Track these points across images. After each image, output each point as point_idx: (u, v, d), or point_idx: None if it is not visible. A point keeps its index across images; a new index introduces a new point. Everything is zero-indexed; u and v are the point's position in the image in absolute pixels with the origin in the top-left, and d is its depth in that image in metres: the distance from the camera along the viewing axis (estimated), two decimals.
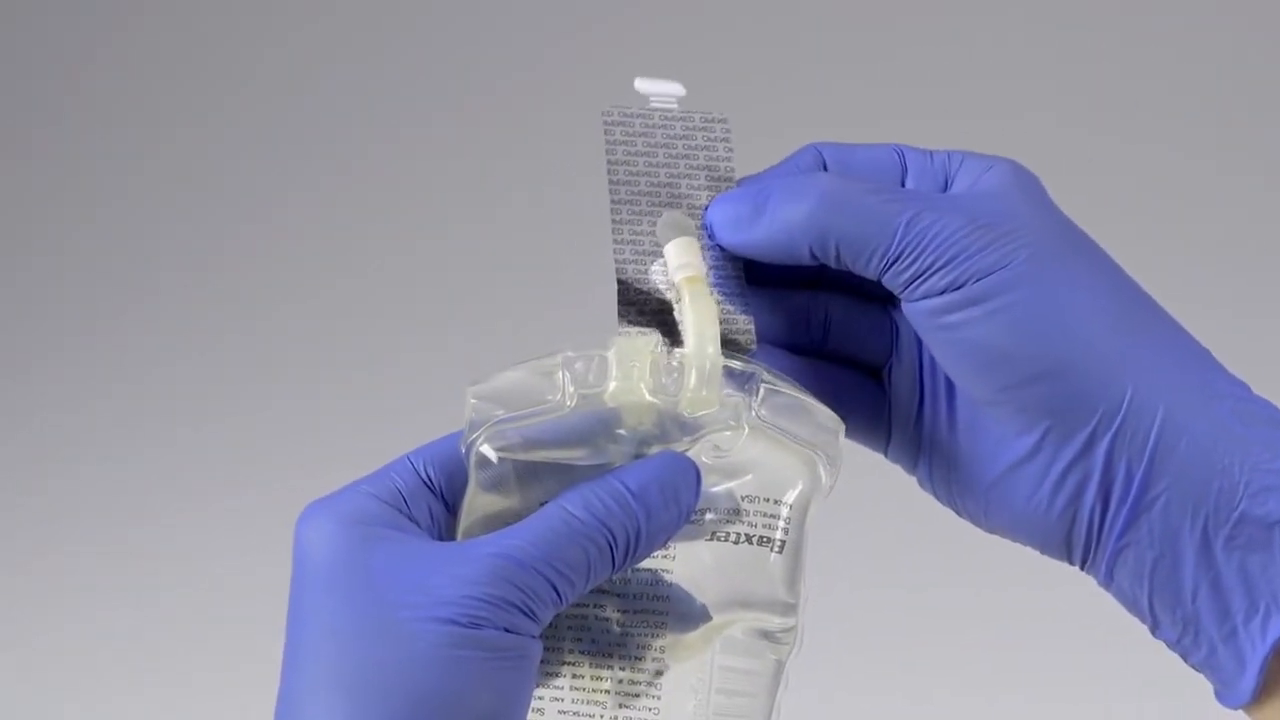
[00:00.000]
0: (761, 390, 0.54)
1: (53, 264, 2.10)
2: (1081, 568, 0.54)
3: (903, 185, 0.56)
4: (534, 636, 0.50)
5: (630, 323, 0.56)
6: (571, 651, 0.54)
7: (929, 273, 0.52)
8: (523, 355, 0.54)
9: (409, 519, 0.52)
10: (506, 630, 0.48)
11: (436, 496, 0.53)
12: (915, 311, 0.53)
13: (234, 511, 1.74)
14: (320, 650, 0.49)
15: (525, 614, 0.49)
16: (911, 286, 0.52)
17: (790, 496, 0.54)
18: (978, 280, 0.52)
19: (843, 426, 0.54)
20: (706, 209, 0.56)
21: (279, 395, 1.89)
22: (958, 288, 0.52)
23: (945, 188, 0.55)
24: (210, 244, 2.09)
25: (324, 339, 1.96)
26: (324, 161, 2.12)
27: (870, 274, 0.53)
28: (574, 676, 0.54)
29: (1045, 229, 0.53)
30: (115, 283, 2.07)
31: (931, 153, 0.56)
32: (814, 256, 0.53)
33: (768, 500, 0.54)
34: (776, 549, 0.54)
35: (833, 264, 0.54)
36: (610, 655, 0.54)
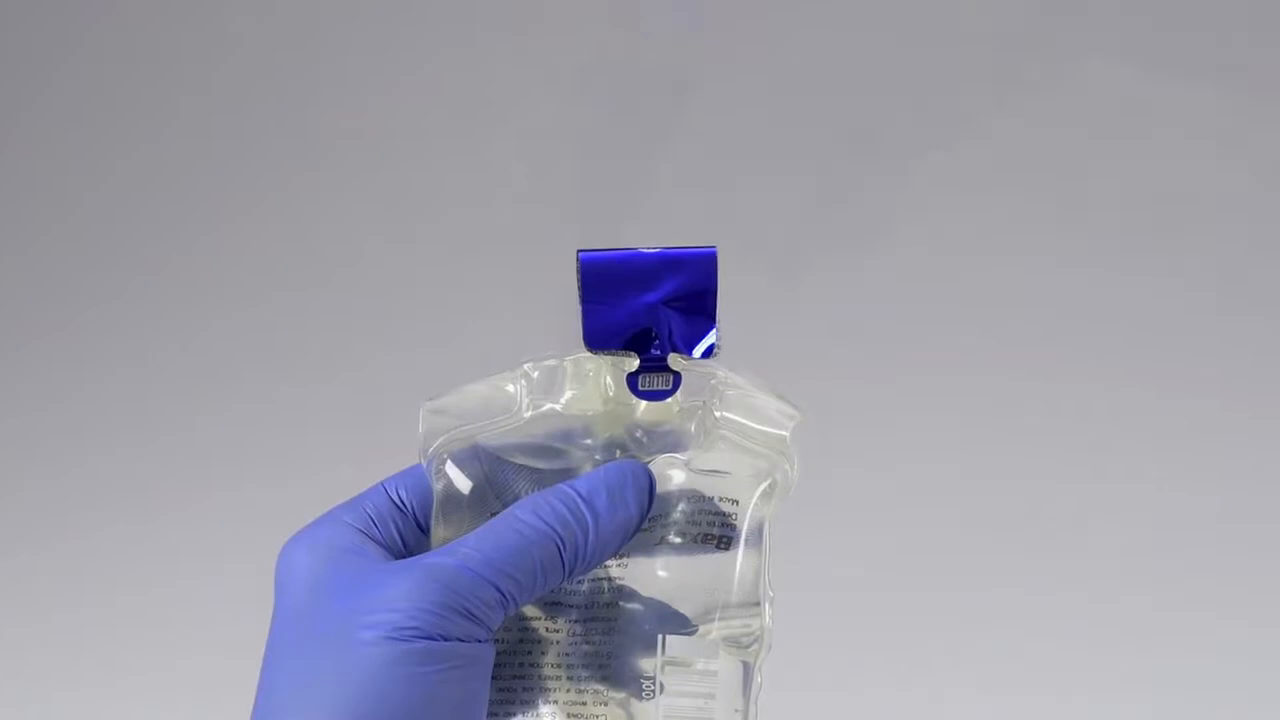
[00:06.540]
0: (719, 392, 0.54)
1: (52, 262, 2.10)
2: None
3: None
4: (480, 640, 0.50)
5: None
6: (526, 675, 0.54)
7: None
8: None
9: (376, 542, 0.53)
10: (442, 638, 0.49)
11: (408, 517, 0.54)
12: None
13: (227, 509, 1.74)
14: (275, 676, 0.50)
15: (465, 617, 0.49)
16: None
17: (751, 496, 0.54)
18: None
19: (799, 419, 0.54)
20: None
21: (274, 393, 1.89)
22: None
23: None
24: (205, 242, 2.09)
25: (320, 335, 1.96)
26: (318, 158, 2.12)
27: None
28: (525, 690, 0.54)
29: None
30: (115, 279, 2.07)
31: None
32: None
33: (725, 500, 0.54)
34: (731, 546, 0.53)
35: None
36: (570, 675, 0.54)
